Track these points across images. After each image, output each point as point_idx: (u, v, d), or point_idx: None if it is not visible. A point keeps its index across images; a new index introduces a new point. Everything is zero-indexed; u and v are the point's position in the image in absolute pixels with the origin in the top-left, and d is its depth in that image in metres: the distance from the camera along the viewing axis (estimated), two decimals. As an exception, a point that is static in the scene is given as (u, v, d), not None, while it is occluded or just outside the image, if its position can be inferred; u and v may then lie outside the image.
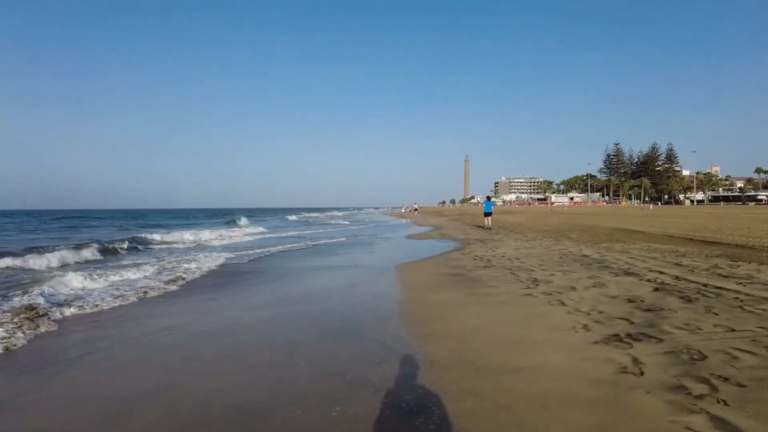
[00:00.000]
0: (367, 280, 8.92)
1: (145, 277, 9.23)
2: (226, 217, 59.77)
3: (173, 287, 8.34)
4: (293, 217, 57.53)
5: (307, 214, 70.36)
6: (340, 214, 79.48)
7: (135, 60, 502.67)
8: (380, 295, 7.49)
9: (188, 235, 20.74)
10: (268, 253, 13.95)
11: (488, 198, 26.94)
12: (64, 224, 42.64)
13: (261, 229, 29.19)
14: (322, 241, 18.58)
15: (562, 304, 6.05)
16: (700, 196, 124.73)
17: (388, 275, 9.43)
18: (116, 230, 31.50)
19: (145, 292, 7.70)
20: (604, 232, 16.55)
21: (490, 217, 23.39)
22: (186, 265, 10.89)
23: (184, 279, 9.10)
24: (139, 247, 16.68)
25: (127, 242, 16.64)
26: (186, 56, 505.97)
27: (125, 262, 11.97)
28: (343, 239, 19.89)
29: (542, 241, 14.19)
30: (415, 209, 65.35)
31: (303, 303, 7.05)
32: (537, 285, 7.35)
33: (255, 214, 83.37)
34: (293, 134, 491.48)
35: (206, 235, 21.86)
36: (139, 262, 11.93)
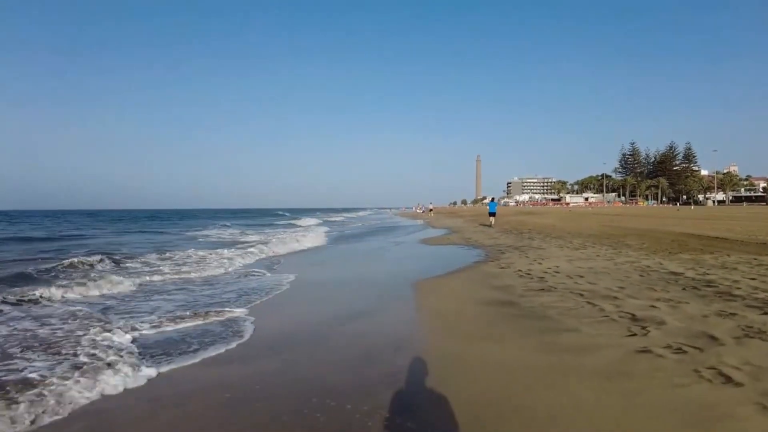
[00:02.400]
0: (376, 309, 6.30)
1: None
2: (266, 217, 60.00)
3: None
4: (339, 217, 58.38)
5: (340, 216, 68.17)
6: (365, 214, 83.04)
7: (135, 62, 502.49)
8: (397, 341, 4.84)
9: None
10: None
11: (492, 199, 30.02)
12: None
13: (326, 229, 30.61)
14: (330, 245, 16.01)
15: (727, 378, 3.37)
16: (720, 196, 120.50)
17: (404, 300, 6.81)
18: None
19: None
20: (670, 238, 13.62)
21: (494, 217, 25.12)
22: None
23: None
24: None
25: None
26: (191, 56, 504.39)
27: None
28: (346, 244, 17.31)
29: (596, 250, 11.44)
30: (430, 210, 61.48)
31: (282, 352, 4.51)
32: (645, 329, 4.66)
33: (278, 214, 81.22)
34: (298, 136, 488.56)
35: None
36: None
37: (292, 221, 44.10)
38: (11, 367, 4.03)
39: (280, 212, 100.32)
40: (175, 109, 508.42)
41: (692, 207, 74.60)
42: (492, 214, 25.13)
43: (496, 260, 10.51)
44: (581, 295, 6.39)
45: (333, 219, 51.93)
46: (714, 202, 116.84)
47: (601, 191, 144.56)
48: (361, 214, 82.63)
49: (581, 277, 7.76)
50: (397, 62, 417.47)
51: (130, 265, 10.81)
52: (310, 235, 20.42)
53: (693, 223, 19.49)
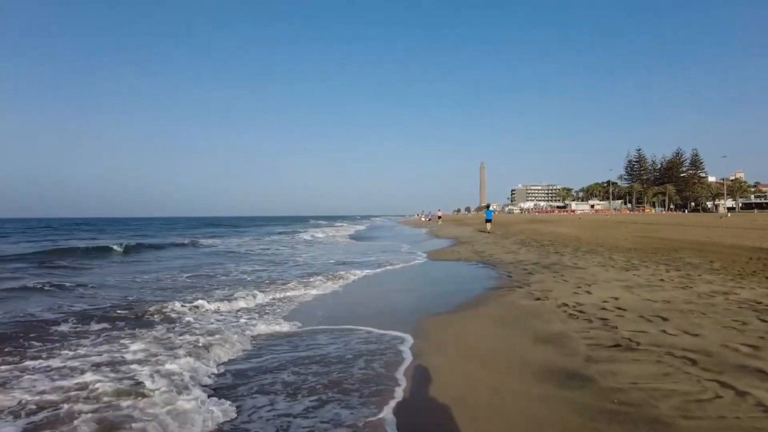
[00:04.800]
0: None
1: None
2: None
3: None
4: (363, 225, 58.27)
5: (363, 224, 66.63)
6: (379, 221, 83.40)
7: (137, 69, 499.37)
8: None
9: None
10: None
11: (488, 207, 35.30)
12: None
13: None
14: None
15: None
16: (730, 203, 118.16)
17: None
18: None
19: None
20: (745, 255, 10.60)
21: (490, 223, 28.02)
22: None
23: None
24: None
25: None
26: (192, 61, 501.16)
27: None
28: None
29: (652, 270, 8.89)
30: (439, 217, 57.72)
31: None
32: None
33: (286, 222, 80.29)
34: (300, 141, 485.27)
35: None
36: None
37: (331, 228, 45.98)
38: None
39: (311, 219, 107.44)
40: (179, 119, 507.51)
41: (728, 215, 66.64)
42: (488, 221, 28.45)
43: (524, 285, 8.00)
44: (691, 360, 3.89)
45: (359, 227, 50.88)
46: (726, 209, 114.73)
47: (607, 198, 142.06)
48: (376, 221, 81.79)
49: (664, 319, 5.25)
50: (399, 68, 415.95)
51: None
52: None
53: (758, 234, 16.42)
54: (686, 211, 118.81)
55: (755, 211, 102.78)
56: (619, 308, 5.90)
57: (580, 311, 5.86)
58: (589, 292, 7.04)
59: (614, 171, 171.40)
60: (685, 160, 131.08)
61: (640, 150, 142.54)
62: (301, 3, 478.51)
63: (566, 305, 6.26)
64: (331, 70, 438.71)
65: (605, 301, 6.34)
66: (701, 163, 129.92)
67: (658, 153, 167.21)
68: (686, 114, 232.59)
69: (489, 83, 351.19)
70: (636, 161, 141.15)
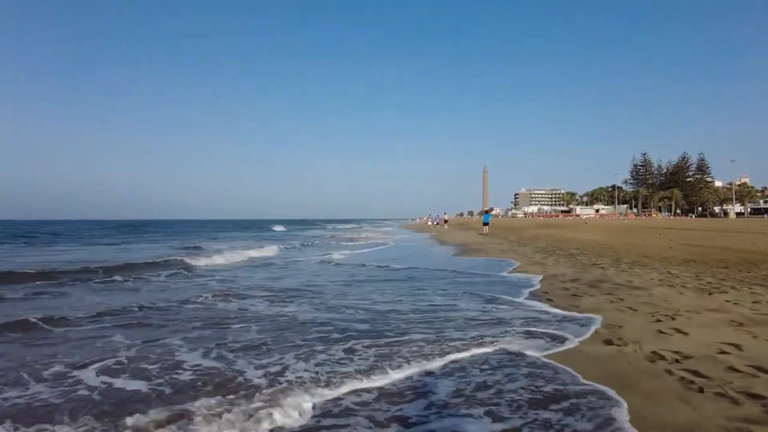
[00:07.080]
0: None
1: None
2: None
3: None
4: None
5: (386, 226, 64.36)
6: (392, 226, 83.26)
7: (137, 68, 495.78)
8: None
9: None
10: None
11: (486, 212, 35.70)
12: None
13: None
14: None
15: None
16: (738, 208, 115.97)
17: None
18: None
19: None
20: None
21: (486, 227, 31.15)
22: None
23: None
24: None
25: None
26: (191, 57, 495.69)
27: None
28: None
29: (745, 293, 6.61)
30: (445, 221, 55.35)
31: None
32: None
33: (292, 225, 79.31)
34: (302, 142, 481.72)
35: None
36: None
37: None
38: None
39: (319, 223, 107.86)
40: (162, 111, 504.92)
41: None
42: (485, 224, 31.84)
43: (587, 322, 5.73)
44: None
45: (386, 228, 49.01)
46: (735, 214, 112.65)
47: (611, 203, 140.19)
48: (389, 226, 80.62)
49: None
50: (401, 72, 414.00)
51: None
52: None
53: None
54: (693, 216, 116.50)
55: (765, 216, 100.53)
56: (759, 368, 3.65)
57: (696, 373, 3.59)
58: (681, 331, 4.77)
59: (619, 176, 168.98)
60: (692, 164, 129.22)
61: (645, 154, 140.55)
62: (300, 6, 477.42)
63: (661, 357, 4.00)
64: (331, 71, 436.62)
65: (722, 352, 4.07)
66: (708, 167, 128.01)
67: (663, 157, 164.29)
68: (691, 118, 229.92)
69: (492, 87, 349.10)
70: (642, 165, 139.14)
